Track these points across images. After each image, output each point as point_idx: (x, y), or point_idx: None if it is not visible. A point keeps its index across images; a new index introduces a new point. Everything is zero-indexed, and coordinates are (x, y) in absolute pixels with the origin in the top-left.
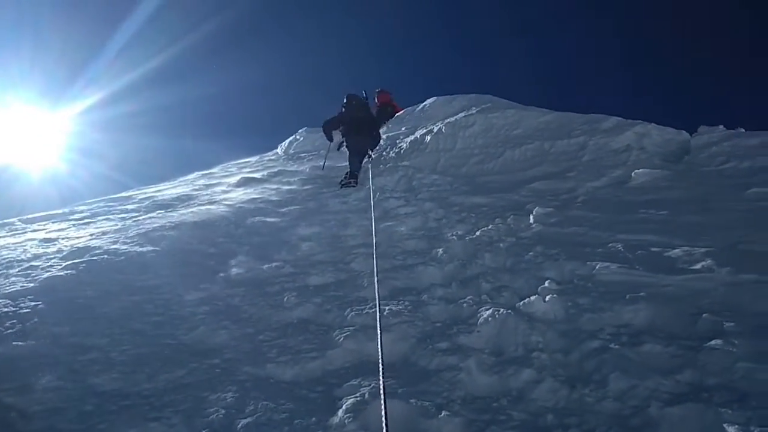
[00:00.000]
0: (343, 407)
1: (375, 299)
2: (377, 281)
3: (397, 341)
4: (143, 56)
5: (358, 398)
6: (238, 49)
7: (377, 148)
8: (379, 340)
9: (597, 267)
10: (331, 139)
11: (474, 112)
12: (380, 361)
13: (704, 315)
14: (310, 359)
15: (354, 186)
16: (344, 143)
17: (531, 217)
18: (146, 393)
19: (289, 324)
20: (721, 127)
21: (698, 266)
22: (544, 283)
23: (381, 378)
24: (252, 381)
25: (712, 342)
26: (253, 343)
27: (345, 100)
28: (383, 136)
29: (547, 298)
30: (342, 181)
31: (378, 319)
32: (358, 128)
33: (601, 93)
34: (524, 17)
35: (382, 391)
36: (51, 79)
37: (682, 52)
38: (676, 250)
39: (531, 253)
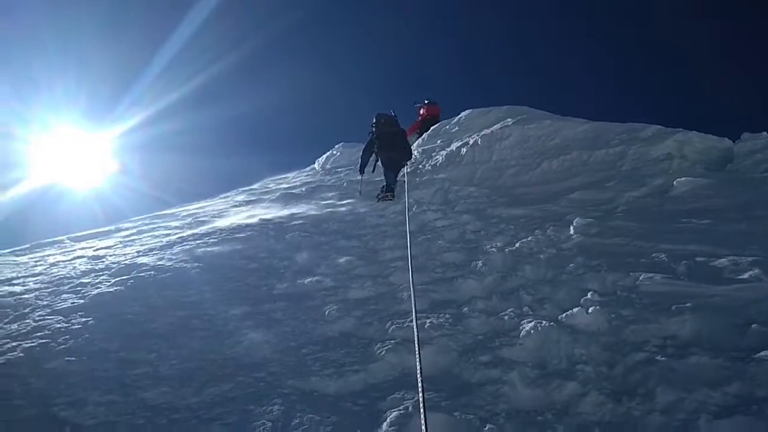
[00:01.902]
0: (387, 420)
1: (416, 312)
2: (414, 294)
3: (438, 354)
4: (184, 76)
5: (402, 411)
6: (276, 66)
7: (411, 160)
8: (417, 353)
9: (640, 278)
10: (362, 170)
11: (510, 123)
12: (419, 373)
13: (753, 326)
14: (353, 372)
15: (391, 199)
16: (377, 162)
17: (571, 227)
18: (194, 406)
19: (331, 337)
20: (765, 133)
21: (745, 276)
22: (586, 295)
23: (420, 391)
24: (297, 394)
25: (762, 353)
26: (297, 357)
27: (374, 120)
28: (418, 149)
29: (590, 309)
30: (379, 195)
31: (416, 333)
32: (390, 144)
33: (639, 102)
34: (561, 28)
35: (421, 405)
36: (96, 101)
37: (723, 58)
38: (722, 260)
39: (572, 265)
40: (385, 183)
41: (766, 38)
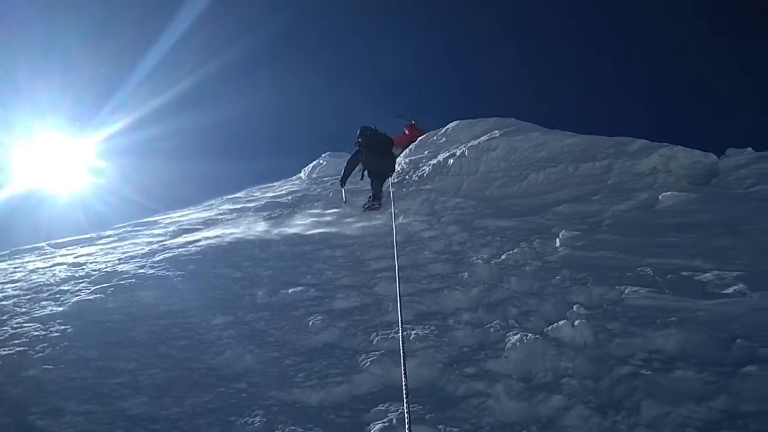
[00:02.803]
0: None
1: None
2: (400, 305)
3: (423, 366)
4: (169, 81)
5: (386, 424)
6: (262, 73)
7: (393, 174)
8: (402, 365)
9: (626, 291)
10: (344, 182)
11: (497, 135)
12: (404, 386)
13: (737, 340)
14: (336, 384)
15: (378, 209)
16: (365, 171)
17: (557, 240)
18: (174, 417)
19: (315, 348)
20: (750, 149)
21: (730, 290)
22: (572, 308)
23: (405, 403)
24: (279, 405)
25: (747, 368)
26: (279, 367)
27: (359, 132)
28: (405, 159)
29: (576, 322)
30: (365, 204)
31: (401, 345)
32: (377, 153)
33: (625, 115)
34: (547, 40)
35: (407, 418)
36: (79, 106)
37: (709, 74)
38: (707, 274)
39: (558, 277)
40: (371, 193)
41: (751, 55)
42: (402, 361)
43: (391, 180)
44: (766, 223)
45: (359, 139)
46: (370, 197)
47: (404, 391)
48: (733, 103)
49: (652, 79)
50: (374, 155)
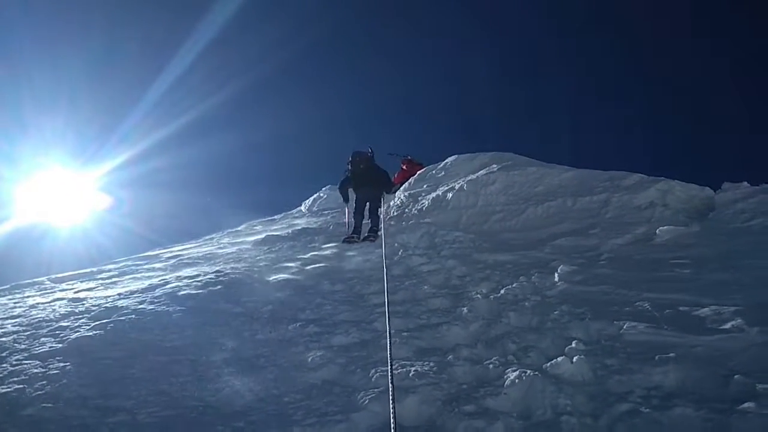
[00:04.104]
0: None
1: (400, 359)
2: (391, 344)
3: (422, 404)
4: (171, 115)
5: None
6: (261, 107)
7: (391, 194)
8: (390, 400)
9: (624, 327)
10: (347, 200)
11: (495, 169)
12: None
13: (736, 376)
14: (336, 422)
15: (357, 241)
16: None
17: (556, 275)
18: None
19: (314, 385)
20: (746, 183)
21: (728, 326)
22: (571, 344)
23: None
24: None
25: (745, 405)
26: (279, 405)
27: (350, 158)
28: (404, 193)
29: (575, 359)
30: (345, 237)
31: (390, 381)
32: (362, 180)
33: (622, 149)
34: (543, 75)
35: None
36: (83, 139)
37: (704, 108)
38: (705, 309)
39: (557, 312)
40: (370, 225)
41: (745, 90)
42: (391, 399)
43: (384, 208)
44: (763, 257)
45: (348, 166)
46: (368, 229)
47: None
48: (728, 137)
49: (648, 114)
50: (360, 184)
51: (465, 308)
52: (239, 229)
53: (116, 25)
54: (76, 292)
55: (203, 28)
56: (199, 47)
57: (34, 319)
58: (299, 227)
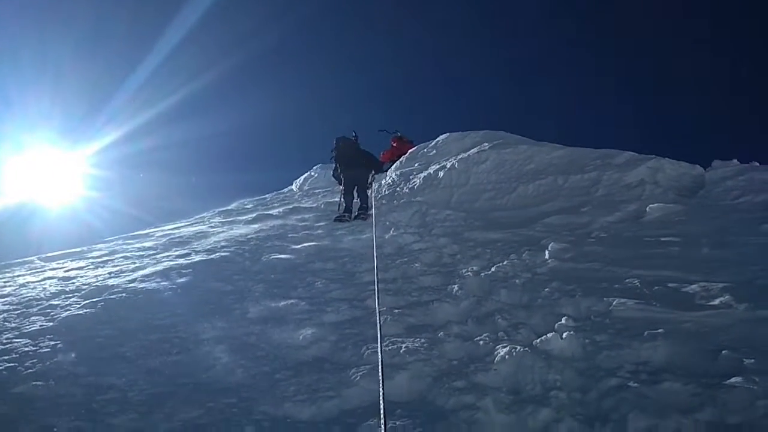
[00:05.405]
0: None
1: (391, 336)
2: (380, 322)
3: (413, 380)
4: (161, 94)
5: None
6: (253, 85)
7: (374, 174)
8: (380, 380)
9: (614, 303)
10: (341, 182)
11: (486, 148)
12: (381, 399)
13: (723, 352)
14: (327, 398)
15: (348, 220)
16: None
17: (546, 252)
18: None
19: (305, 362)
20: (735, 161)
21: (716, 302)
22: (560, 320)
23: (382, 418)
24: (269, 420)
25: (732, 379)
26: (270, 382)
27: (334, 143)
28: (395, 172)
29: (564, 335)
30: (336, 216)
31: (380, 358)
32: (348, 164)
33: (612, 127)
34: (536, 52)
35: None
36: (71, 118)
37: (696, 87)
38: (693, 286)
39: (547, 290)
40: (360, 203)
41: (738, 68)
42: (380, 378)
43: (374, 188)
44: (752, 234)
45: (333, 152)
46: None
47: (381, 407)
48: (719, 115)
49: (640, 92)
50: (345, 167)
51: (456, 286)
52: (230, 208)
53: (104, 2)
54: (66, 271)
55: (192, 6)
56: (189, 25)
57: (24, 297)
58: (290, 206)
